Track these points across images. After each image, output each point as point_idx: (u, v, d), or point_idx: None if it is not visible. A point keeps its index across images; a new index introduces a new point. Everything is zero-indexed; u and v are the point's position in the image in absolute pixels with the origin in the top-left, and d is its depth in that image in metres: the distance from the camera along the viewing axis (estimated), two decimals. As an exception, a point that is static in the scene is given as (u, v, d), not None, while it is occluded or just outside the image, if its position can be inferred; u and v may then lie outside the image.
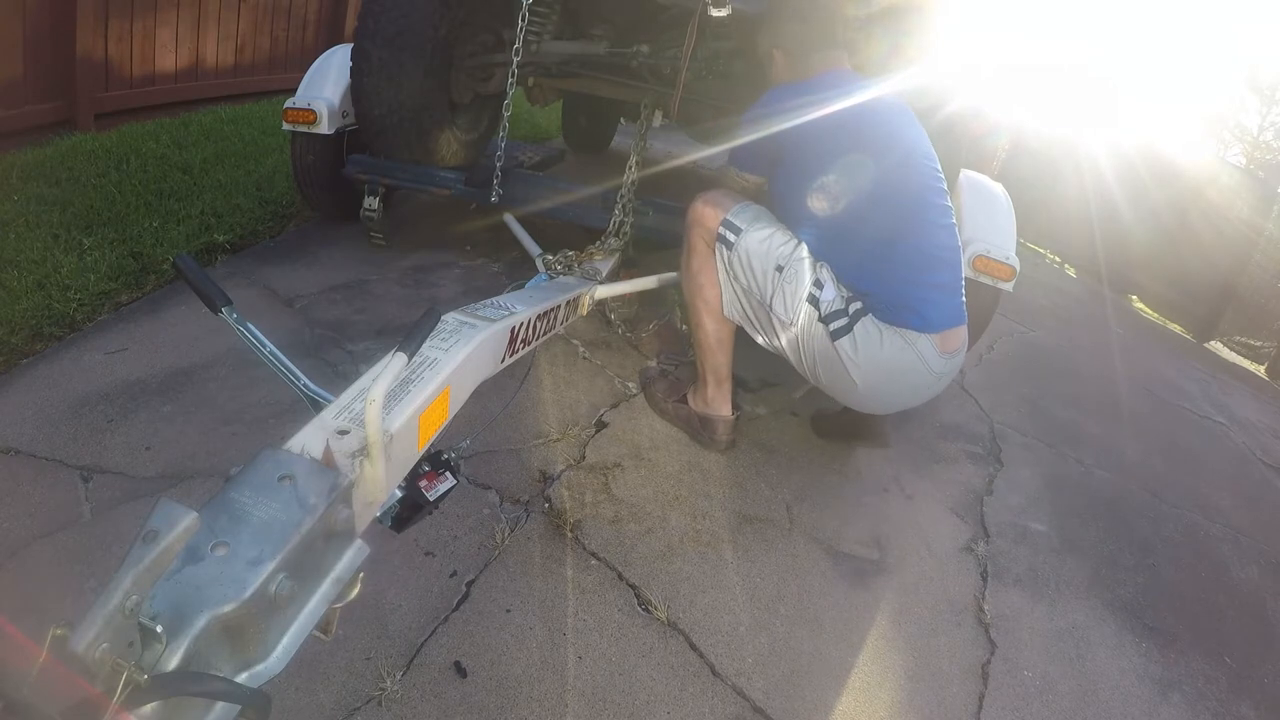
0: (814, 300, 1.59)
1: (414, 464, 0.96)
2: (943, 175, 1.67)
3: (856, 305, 1.57)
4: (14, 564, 1.22)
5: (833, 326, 1.57)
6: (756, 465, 1.84)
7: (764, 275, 1.63)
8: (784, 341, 1.66)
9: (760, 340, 1.73)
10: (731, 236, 1.67)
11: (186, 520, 0.52)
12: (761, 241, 1.65)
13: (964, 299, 1.66)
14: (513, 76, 2.26)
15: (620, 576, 1.42)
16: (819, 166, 1.62)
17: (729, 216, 1.69)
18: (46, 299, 1.91)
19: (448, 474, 1.05)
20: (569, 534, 1.50)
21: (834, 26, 1.76)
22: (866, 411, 1.78)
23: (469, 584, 1.34)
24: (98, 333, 1.90)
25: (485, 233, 2.88)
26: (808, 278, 1.60)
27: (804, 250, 1.62)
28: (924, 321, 1.56)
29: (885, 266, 1.58)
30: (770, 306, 1.63)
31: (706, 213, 1.72)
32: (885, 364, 1.57)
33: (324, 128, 2.49)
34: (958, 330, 1.62)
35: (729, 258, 1.68)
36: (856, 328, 1.56)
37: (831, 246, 1.62)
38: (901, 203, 1.60)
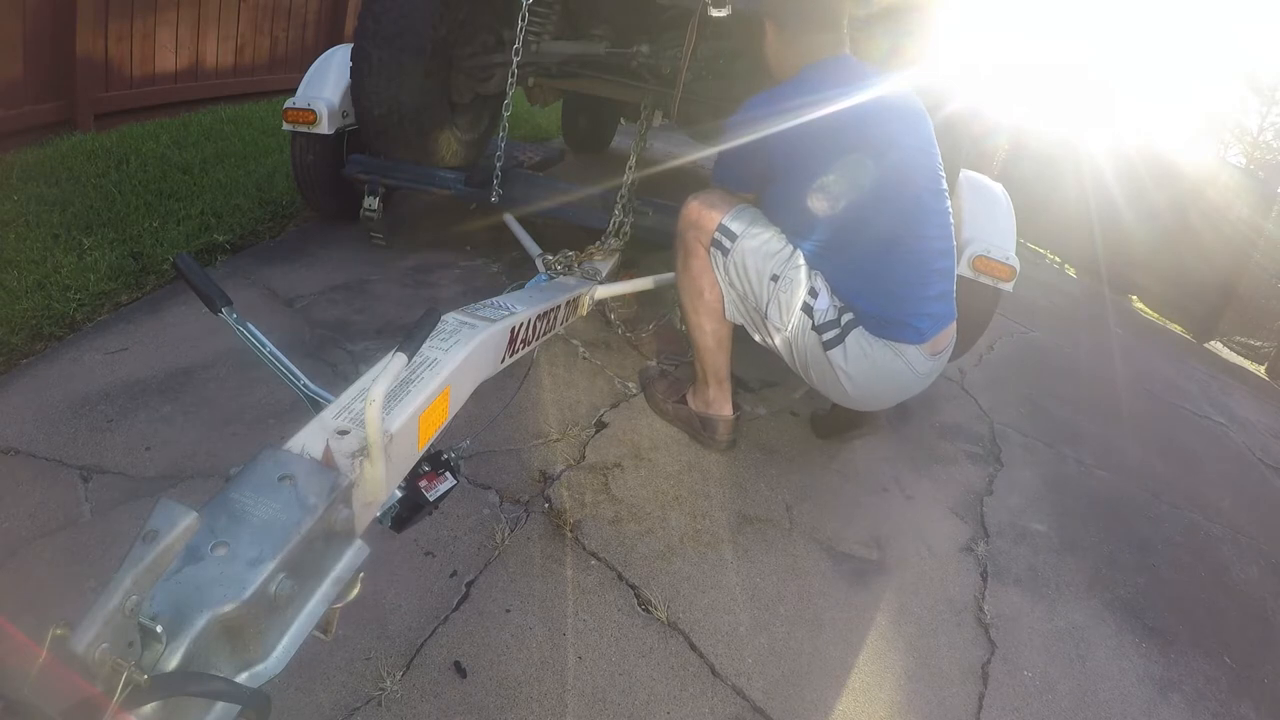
0: (808, 309, 1.59)
1: (414, 464, 0.96)
2: (943, 175, 1.64)
3: (849, 316, 1.57)
4: (14, 564, 1.22)
5: (825, 337, 1.58)
6: (756, 465, 1.84)
7: (759, 283, 1.62)
8: (778, 345, 1.67)
9: (756, 338, 1.74)
10: (727, 243, 1.64)
11: (186, 520, 0.52)
12: (757, 249, 1.62)
13: (954, 294, 1.66)
14: (513, 76, 2.26)
15: (620, 576, 1.42)
16: (812, 175, 1.56)
17: (725, 221, 1.65)
18: (46, 299, 1.91)
19: (448, 474, 1.05)
20: (569, 534, 1.50)
21: (839, 8, 1.64)
22: (856, 409, 1.80)
23: (469, 584, 1.34)
24: (98, 333, 1.90)
25: (485, 233, 2.88)
26: (803, 287, 1.59)
27: (799, 258, 1.60)
28: (917, 334, 1.58)
29: (880, 281, 1.57)
30: (765, 313, 1.63)
31: (702, 215, 1.68)
32: (874, 372, 1.60)
33: (324, 128, 2.50)
34: (946, 331, 1.64)
35: (724, 264, 1.66)
36: (848, 339, 1.57)
37: (827, 257, 1.60)
38: (898, 209, 1.57)
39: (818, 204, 1.57)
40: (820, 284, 1.59)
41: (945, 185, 1.64)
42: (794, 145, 1.56)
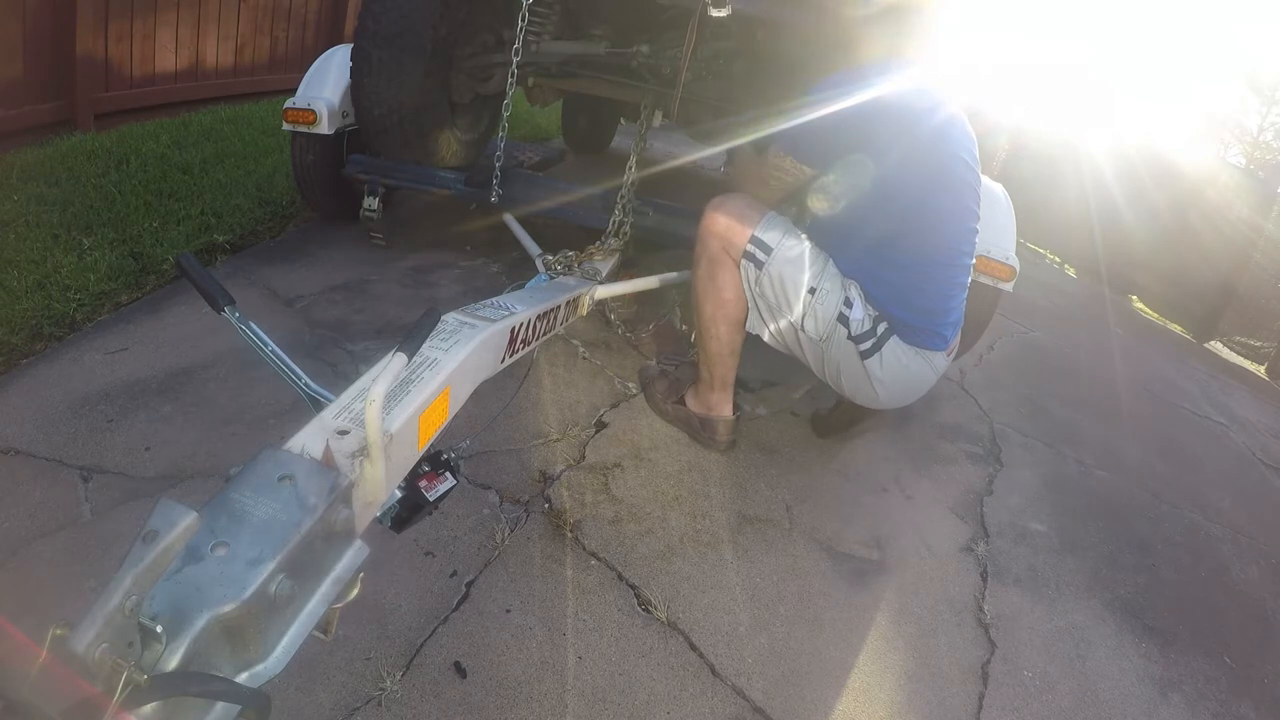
0: (844, 319, 1.59)
1: (414, 464, 0.96)
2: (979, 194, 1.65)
3: (883, 326, 1.58)
4: (14, 564, 1.22)
5: (862, 347, 1.59)
6: (756, 465, 1.84)
7: (796, 296, 1.61)
8: (809, 355, 1.68)
9: (765, 336, 1.73)
10: (762, 256, 1.62)
11: (186, 520, 0.52)
12: (793, 261, 1.61)
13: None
14: (513, 76, 2.26)
15: (620, 576, 1.42)
16: (885, 171, 1.50)
17: (757, 233, 1.63)
18: (46, 299, 1.91)
19: (448, 474, 1.05)
20: (569, 534, 1.50)
21: (931, 20, 1.63)
22: (875, 409, 1.80)
23: (469, 584, 1.34)
24: (98, 333, 1.90)
25: (485, 233, 2.88)
26: (838, 297, 1.60)
27: (833, 267, 1.61)
28: (944, 342, 1.63)
29: (920, 291, 1.58)
30: (801, 325, 1.63)
31: (730, 226, 1.65)
32: (906, 378, 1.63)
33: (324, 128, 2.49)
34: (959, 335, 1.70)
35: (757, 277, 1.64)
36: (885, 348, 1.58)
37: (874, 262, 1.58)
38: (951, 221, 1.58)
39: (878, 206, 1.54)
40: (855, 293, 1.59)
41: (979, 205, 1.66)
42: (875, 129, 1.50)
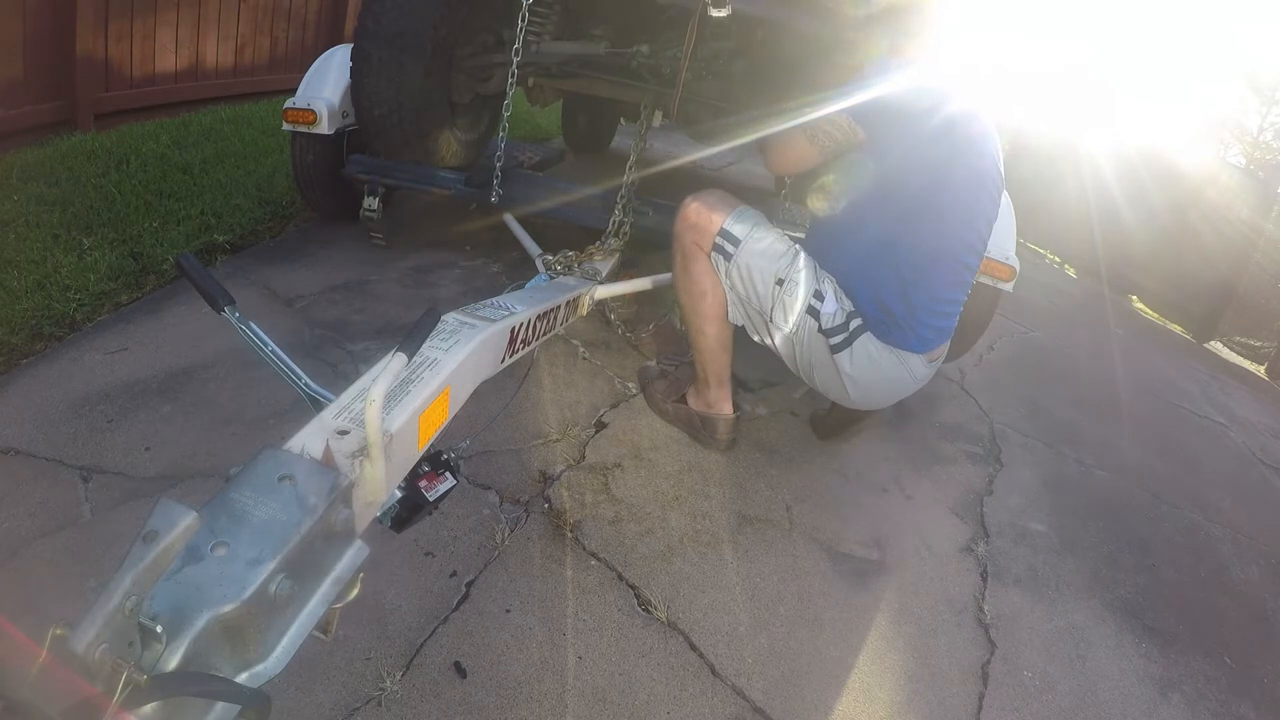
0: (813, 312, 1.59)
1: (414, 464, 0.96)
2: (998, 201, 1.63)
3: (857, 322, 1.58)
4: (14, 564, 1.22)
5: (832, 341, 1.59)
6: (756, 465, 1.84)
7: (764, 287, 1.62)
8: (780, 347, 1.68)
9: (756, 339, 1.74)
10: (730, 248, 1.63)
11: (186, 520, 0.52)
12: (761, 254, 1.61)
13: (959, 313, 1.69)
14: (513, 76, 2.26)
15: (620, 577, 1.42)
16: (919, 160, 1.49)
17: (726, 225, 1.64)
18: (46, 299, 1.91)
19: (448, 474, 1.05)
20: (569, 534, 1.50)
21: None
22: (850, 408, 1.81)
23: (469, 584, 1.34)
24: (98, 333, 1.90)
25: (485, 233, 2.88)
26: (807, 289, 1.59)
27: (802, 260, 1.61)
28: (922, 344, 1.61)
29: (916, 290, 1.57)
30: (770, 317, 1.63)
31: (702, 217, 1.67)
32: (878, 376, 1.62)
33: (324, 128, 2.50)
34: (946, 343, 1.69)
35: (727, 269, 1.65)
36: (855, 344, 1.58)
37: (869, 260, 1.57)
38: (958, 225, 1.57)
39: (897, 195, 1.52)
40: (827, 287, 1.59)
41: (997, 212, 1.65)
42: (924, 121, 1.49)
